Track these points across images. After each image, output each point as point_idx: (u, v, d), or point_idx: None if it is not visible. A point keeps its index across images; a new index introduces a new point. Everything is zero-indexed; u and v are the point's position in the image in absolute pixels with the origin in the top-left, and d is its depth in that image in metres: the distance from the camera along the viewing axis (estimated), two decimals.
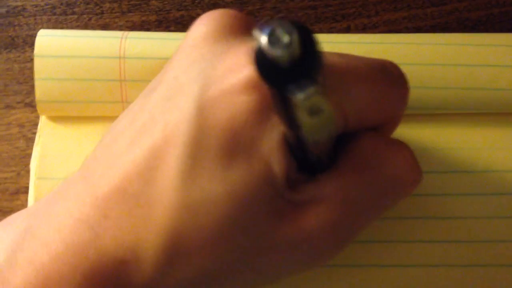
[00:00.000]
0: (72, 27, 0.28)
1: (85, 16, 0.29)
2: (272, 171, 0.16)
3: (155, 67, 0.25)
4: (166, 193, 0.16)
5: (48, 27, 0.28)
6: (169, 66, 0.19)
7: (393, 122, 0.20)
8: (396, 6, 0.28)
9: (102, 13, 0.29)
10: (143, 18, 0.29)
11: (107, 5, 0.29)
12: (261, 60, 0.12)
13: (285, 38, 0.11)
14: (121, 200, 0.16)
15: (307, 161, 0.17)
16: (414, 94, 0.25)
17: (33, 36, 0.28)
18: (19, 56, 0.28)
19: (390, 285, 0.23)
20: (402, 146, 0.19)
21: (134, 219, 0.16)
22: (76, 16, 0.29)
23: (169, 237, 0.16)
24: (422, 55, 0.25)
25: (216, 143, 0.16)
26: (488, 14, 0.28)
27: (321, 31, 0.28)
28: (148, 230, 0.16)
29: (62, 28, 0.28)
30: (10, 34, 0.28)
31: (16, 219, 0.18)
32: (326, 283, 0.23)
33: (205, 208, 0.16)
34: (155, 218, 0.16)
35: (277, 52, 0.11)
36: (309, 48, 0.12)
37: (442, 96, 0.25)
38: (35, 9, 0.29)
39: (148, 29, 0.28)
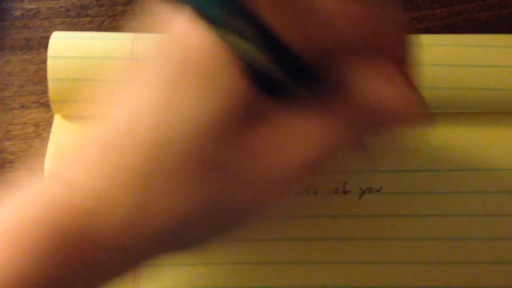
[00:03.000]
0: (85, 30, 0.29)
1: (98, 18, 0.29)
2: (238, 92, 0.16)
3: None
4: (136, 139, 0.16)
5: (62, 29, 0.29)
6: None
7: (397, 54, 0.18)
8: (406, 6, 0.28)
9: (115, 15, 0.29)
10: None
11: (120, 7, 0.29)
12: None
13: None
14: (95, 150, 0.16)
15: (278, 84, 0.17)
16: (424, 94, 0.25)
17: (48, 38, 0.28)
18: (34, 58, 0.29)
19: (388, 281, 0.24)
20: (394, 72, 0.17)
21: (107, 166, 0.16)
22: (89, 19, 0.29)
23: (139, 180, 0.16)
24: (432, 56, 0.25)
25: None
26: (497, 15, 0.28)
27: None
28: (119, 176, 0.16)
29: (75, 30, 0.29)
30: (25, 36, 0.29)
31: None
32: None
33: (172, 145, 0.16)
34: (127, 163, 0.16)
35: None
36: None
37: (451, 96, 0.25)
38: (49, 11, 0.29)
39: None
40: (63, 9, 0.29)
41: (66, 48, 0.26)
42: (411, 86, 0.17)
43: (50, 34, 0.26)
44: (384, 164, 0.25)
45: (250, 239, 0.24)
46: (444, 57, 0.25)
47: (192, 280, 0.24)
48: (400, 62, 0.18)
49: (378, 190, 0.25)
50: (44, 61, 0.28)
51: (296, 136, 0.17)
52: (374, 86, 0.17)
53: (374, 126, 0.18)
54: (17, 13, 0.29)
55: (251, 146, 0.16)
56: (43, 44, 0.29)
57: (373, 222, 0.24)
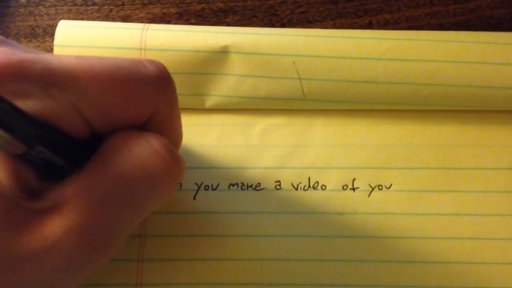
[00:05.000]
0: (92, 18, 0.28)
1: (105, 7, 0.29)
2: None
3: (176, 59, 0.25)
4: None
5: (68, 18, 0.28)
6: None
7: (163, 122, 0.19)
8: (418, 2, 0.28)
9: (123, 4, 0.29)
10: (164, 11, 0.28)
11: None
12: None
13: None
14: None
15: (46, 167, 0.17)
16: (435, 91, 0.25)
17: (54, 26, 0.28)
18: (39, 46, 0.28)
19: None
20: (150, 136, 0.18)
21: None
22: (96, 7, 0.29)
23: None
24: (444, 53, 0.25)
25: None
26: (511, 12, 0.28)
27: (342, 26, 0.28)
28: None
29: (82, 19, 0.28)
30: (30, 23, 0.28)
31: None
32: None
33: None
34: None
35: None
36: None
37: (463, 94, 0.25)
38: None
39: (168, 22, 0.28)
40: None
41: (73, 37, 0.25)
42: (166, 147, 0.18)
43: (56, 22, 0.26)
44: (395, 161, 0.25)
45: (255, 235, 0.24)
46: (457, 54, 0.25)
47: (195, 275, 0.23)
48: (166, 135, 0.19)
49: (388, 188, 0.25)
50: (49, 50, 0.28)
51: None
52: (132, 148, 0.17)
53: (135, 188, 0.17)
54: (23, 0, 0.29)
55: (22, 223, 0.16)
56: (49, 32, 0.28)
57: (382, 220, 0.24)
